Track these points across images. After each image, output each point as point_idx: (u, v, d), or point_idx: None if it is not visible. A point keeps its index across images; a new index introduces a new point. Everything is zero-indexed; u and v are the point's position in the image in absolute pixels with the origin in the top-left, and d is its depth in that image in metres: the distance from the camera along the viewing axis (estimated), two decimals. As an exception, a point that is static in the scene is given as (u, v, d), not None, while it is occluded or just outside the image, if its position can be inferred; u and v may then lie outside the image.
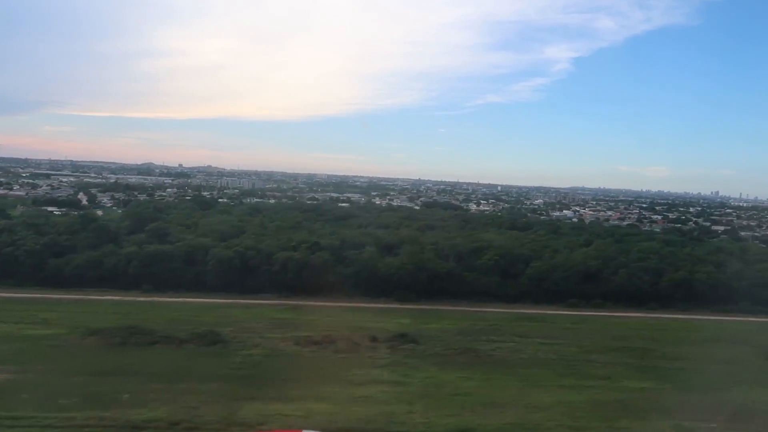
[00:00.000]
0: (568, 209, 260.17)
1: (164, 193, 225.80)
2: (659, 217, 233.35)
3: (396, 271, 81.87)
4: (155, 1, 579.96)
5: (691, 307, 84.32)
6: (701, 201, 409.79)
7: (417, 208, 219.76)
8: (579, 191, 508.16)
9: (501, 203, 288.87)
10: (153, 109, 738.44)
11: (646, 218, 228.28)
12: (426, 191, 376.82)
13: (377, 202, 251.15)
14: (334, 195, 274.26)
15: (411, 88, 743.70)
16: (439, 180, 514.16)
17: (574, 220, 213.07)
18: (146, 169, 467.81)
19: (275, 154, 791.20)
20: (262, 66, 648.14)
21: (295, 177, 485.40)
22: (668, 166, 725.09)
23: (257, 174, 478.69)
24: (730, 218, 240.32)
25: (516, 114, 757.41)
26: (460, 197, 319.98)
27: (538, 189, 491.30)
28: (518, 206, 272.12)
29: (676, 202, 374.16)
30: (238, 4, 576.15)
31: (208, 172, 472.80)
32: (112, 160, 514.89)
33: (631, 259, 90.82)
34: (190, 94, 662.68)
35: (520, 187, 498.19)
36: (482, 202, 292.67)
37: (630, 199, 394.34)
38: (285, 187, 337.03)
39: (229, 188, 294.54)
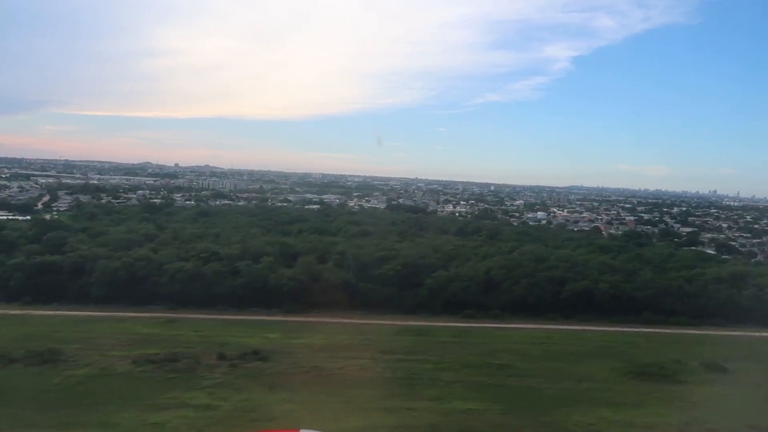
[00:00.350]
0: (545, 210, 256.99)
1: (133, 195, 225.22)
2: (632, 218, 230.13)
3: (287, 282, 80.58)
4: (155, 1, 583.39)
5: (592, 318, 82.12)
6: (694, 200, 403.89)
7: (382, 209, 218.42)
8: (576, 190, 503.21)
9: (480, 204, 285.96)
10: (152, 109, 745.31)
11: (617, 220, 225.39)
12: (414, 191, 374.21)
13: (351, 204, 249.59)
14: (309, 196, 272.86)
15: (411, 87, 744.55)
16: (435, 179, 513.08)
17: (543, 222, 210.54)
18: (141, 169, 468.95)
19: (274, 154, 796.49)
20: (262, 66, 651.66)
21: (288, 176, 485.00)
22: (667, 165, 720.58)
23: (251, 173, 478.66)
24: (706, 219, 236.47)
25: (516, 113, 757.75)
26: (443, 198, 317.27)
27: (533, 188, 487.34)
28: (496, 207, 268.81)
29: (666, 201, 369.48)
30: (238, 4, 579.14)
31: (199, 171, 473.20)
32: (110, 160, 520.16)
33: (539, 268, 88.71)
34: (190, 94, 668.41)
35: (515, 186, 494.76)
36: (462, 203, 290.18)
37: (621, 198, 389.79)
38: (267, 187, 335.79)
39: (208, 189, 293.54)
